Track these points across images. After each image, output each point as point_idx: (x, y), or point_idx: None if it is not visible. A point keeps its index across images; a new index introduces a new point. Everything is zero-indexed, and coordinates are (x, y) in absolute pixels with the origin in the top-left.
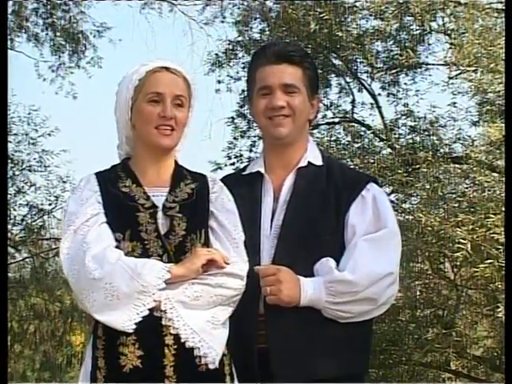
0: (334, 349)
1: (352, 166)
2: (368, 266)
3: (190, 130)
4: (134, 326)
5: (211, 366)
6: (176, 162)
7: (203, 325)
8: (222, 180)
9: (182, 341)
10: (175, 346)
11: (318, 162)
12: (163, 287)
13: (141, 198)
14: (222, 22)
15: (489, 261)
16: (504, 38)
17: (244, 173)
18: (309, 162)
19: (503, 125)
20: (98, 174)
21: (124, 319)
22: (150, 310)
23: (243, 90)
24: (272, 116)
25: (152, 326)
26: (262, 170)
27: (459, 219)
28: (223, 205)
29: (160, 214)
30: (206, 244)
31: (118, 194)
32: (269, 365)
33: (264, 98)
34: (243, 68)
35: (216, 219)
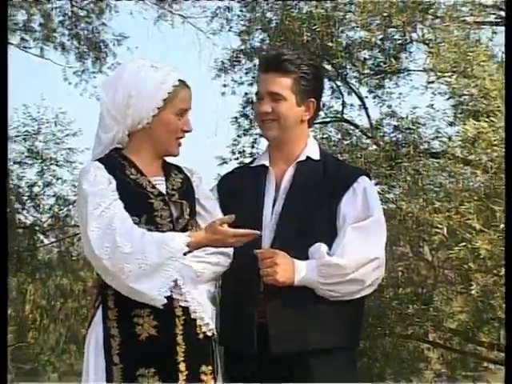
0: (325, 323)
1: None
2: (356, 251)
3: (197, 128)
4: (169, 293)
5: (209, 334)
6: None
7: (203, 298)
8: (234, 170)
9: (190, 312)
10: (183, 317)
11: (316, 156)
12: (187, 251)
13: (148, 186)
14: (229, 30)
15: (463, 244)
16: (482, 45)
17: (252, 165)
18: (307, 157)
19: (476, 123)
20: (103, 162)
21: (159, 286)
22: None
23: (246, 93)
24: (262, 120)
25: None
26: (267, 164)
27: (436, 206)
28: (205, 193)
29: (167, 201)
30: (198, 227)
31: (129, 182)
32: (266, 337)
33: (257, 103)
34: (246, 73)
35: (202, 206)
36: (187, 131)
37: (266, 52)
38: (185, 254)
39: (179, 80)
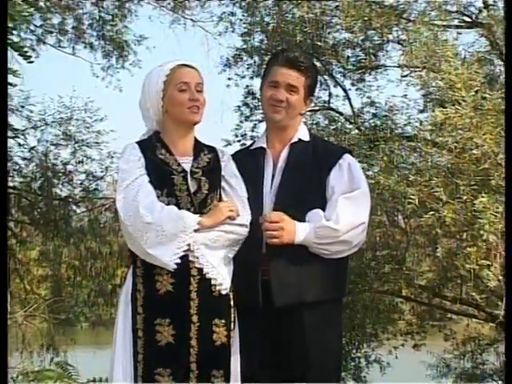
0: (319, 278)
1: None
2: (347, 217)
3: (206, 116)
4: (178, 261)
5: (223, 292)
6: (195, 137)
7: (219, 261)
8: (236, 153)
9: (204, 273)
10: (198, 277)
11: (306, 138)
12: (195, 230)
13: (173, 164)
14: (233, 32)
15: (431, 213)
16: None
17: (251, 148)
18: (299, 139)
19: (443, 109)
20: (139, 143)
21: (170, 254)
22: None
23: (247, 85)
24: (273, 104)
25: (181, 261)
26: (265, 146)
27: (409, 181)
28: (232, 171)
29: (189, 177)
30: (220, 200)
31: (157, 160)
32: (270, 292)
33: (271, 89)
34: (247, 69)
35: (227, 182)
36: (193, 100)
37: (286, 49)
38: (195, 231)
39: (181, 64)
